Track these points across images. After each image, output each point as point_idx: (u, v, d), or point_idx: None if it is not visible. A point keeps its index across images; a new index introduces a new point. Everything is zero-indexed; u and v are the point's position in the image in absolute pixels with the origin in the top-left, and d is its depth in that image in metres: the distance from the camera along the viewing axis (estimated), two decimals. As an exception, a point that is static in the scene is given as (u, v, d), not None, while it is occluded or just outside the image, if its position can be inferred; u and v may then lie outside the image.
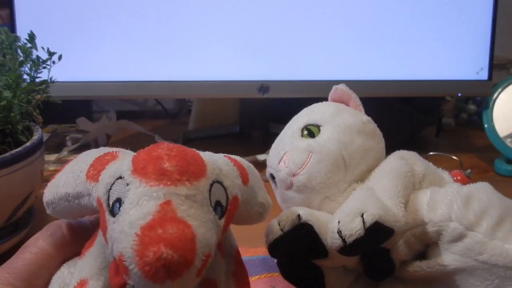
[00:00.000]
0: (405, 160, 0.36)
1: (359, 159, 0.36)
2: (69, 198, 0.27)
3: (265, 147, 0.71)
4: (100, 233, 0.27)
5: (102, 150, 0.28)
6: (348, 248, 0.30)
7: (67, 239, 0.28)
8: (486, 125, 0.73)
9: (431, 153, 0.62)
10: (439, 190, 0.34)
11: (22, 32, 0.52)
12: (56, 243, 0.28)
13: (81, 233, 0.29)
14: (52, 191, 0.28)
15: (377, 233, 0.30)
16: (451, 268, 0.32)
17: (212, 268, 0.26)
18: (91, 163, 0.27)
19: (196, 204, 0.23)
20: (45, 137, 0.81)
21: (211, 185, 0.24)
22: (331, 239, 0.31)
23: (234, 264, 0.30)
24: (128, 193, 0.22)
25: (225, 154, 0.29)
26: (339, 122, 0.37)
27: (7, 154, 0.43)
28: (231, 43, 0.69)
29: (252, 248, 0.47)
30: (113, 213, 0.23)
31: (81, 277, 0.25)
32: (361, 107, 0.40)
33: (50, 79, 0.48)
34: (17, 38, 0.48)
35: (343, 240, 0.30)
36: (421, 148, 0.77)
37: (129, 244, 0.20)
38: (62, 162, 0.72)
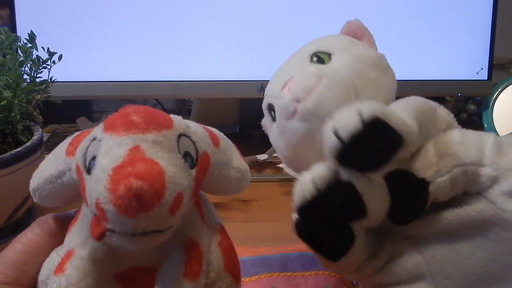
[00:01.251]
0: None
1: (372, 92, 0.33)
2: (52, 179, 0.28)
3: (265, 147, 0.71)
4: (83, 206, 0.28)
5: (80, 131, 0.29)
6: (347, 149, 0.25)
7: (54, 229, 0.29)
8: (486, 125, 0.74)
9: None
10: (503, 138, 0.30)
11: (22, 32, 0.52)
12: (44, 232, 0.29)
13: (67, 223, 0.30)
14: (36, 178, 0.29)
15: (380, 133, 0.25)
16: (490, 222, 0.28)
17: (193, 229, 0.27)
18: (70, 142, 0.28)
19: (164, 149, 0.24)
20: (45, 137, 0.81)
21: (179, 136, 0.25)
22: (327, 142, 0.26)
23: (220, 235, 0.30)
24: (101, 147, 0.24)
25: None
26: (352, 52, 0.34)
27: (7, 154, 0.43)
28: (231, 43, 0.69)
29: (252, 248, 0.47)
30: (89, 171, 0.24)
31: (67, 249, 0.26)
32: (374, 45, 0.37)
33: (50, 79, 0.49)
34: (17, 38, 0.48)
35: (341, 140, 0.25)
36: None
37: (102, 186, 0.22)
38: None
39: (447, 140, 0.30)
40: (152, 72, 0.69)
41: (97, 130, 0.25)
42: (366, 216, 0.28)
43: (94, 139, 0.25)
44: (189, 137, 0.26)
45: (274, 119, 0.35)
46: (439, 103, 0.34)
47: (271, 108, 0.35)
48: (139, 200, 0.21)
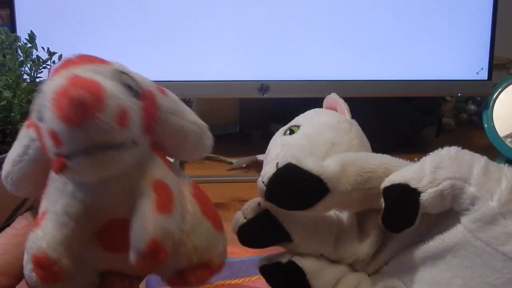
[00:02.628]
0: None
1: (326, 151, 0.39)
2: (20, 158, 0.28)
3: (265, 147, 0.71)
4: (51, 173, 0.28)
5: None
6: (267, 190, 0.31)
7: (32, 221, 0.30)
8: (486, 125, 0.74)
9: (431, 153, 0.62)
10: (494, 163, 0.32)
11: (22, 32, 0.52)
12: (22, 226, 0.30)
13: None
14: (6, 165, 0.29)
15: (291, 172, 0.31)
16: (465, 251, 0.30)
17: (158, 171, 0.27)
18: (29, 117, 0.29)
19: (100, 75, 0.25)
20: (45, 137, 0.81)
21: (117, 71, 0.26)
22: (259, 189, 0.32)
23: (192, 187, 0.30)
24: (46, 91, 0.24)
25: None
26: (315, 121, 0.42)
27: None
28: (231, 43, 0.69)
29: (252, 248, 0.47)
30: (42, 118, 0.24)
31: (41, 211, 0.27)
32: (347, 111, 0.43)
33: (50, 79, 0.49)
34: (17, 38, 0.48)
35: (264, 184, 0.31)
36: (421, 148, 0.77)
37: (49, 109, 0.23)
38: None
39: (442, 154, 0.32)
40: (152, 72, 0.69)
41: (43, 85, 0.26)
42: (291, 240, 0.34)
43: (41, 92, 0.26)
44: (128, 75, 0.27)
45: None
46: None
47: None
48: (82, 105, 0.22)
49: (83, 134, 0.22)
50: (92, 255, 0.28)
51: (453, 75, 0.73)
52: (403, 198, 0.31)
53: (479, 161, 0.32)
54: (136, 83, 0.27)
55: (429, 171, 0.31)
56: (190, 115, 0.31)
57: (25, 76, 0.48)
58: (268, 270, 0.36)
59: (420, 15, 0.71)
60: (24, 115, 0.48)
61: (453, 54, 0.72)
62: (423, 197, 0.31)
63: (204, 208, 0.29)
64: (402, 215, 0.32)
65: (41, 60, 0.48)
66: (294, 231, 0.34)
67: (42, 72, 0.49)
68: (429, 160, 0.32)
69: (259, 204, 0.34)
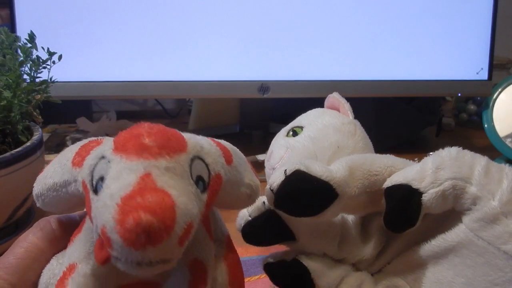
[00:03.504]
0: None
1: (331, 154, 0.39)
2: (57, 188, 0.27)
3: (265, 147, 0.71)
4: (87, 218, 0.27)
5: (88, 140, 0.28)
6: (277, 198, 0.31)
7: (57, 233, 0.29)
8: (486, 125, 0.74)
9: (431, 153, 0.62)
10: (494, 163, 0.32)
11: (22, 32, 0.52)
12: (46, 237, 0.28)
13: (70, 227, 0.29)
14: (40, 183, 0.28)
15: (300, 180, 0.30)
16: (467, 250, 0.31)
17: (200, 249, 0.26)
18: (76, 151, 0.27)
19: (176, 176, 0.23)
20: (45, 137, 0.81)
21: (192, 160, 0.25)
22: (267, 197, 0.32)
23: (225, 249, 0.30)
24: (110, 170, 0.23)
25: (208, 137, 0.29)
26: (318, 122, 0.41)
27: (7, 154, 0.43)
28: (231, 43, 0.69)
29: (252, 248, 0.47)
30: (96, 192, 0.23)
31: (70, 262, 0.26)
32: (350, 112, 0.43)
33: (50, 79, 0.48)
34: (17, 38, 0.48)
35: (272, 191, 0.31)
36: (421, 148, 0.77)
37: (110, 215, 0.21)
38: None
39: (443, 155, 0.33)
40: (152, 72, 0.69)
41: (107, 148, 0.24)
42: (294, 239, 0.34)
43: (103, 157, 0.24)
44: (202, 160, 0.25)
45: None
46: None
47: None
48: (148, 235, 0.20)
49: (140, 255, 0.21)
50: None
51: (453, 75, 0.73)
52: (405, 198, 0.31)
53: (480, 161, 0.32)
54: (208, 171, 0.26)
55: (431, 172, 0.31)
56: (247, 177, 0.30)
57: (25, 76, 0.48)
58: (272, 268, 0.36)
59: (420, 15, 0.71)
60: (24, 115, 0.48)
61: (453, 54, 0.72)
62: (425, 197, 0.31)
63: (232, 278, 0.29)
64: (404, 216, 0.32)
65: (41, 60, 0.48)
66: (299, 231, 0.34)
67: (42, 72, 0.49)
68: (430, 161, 0.32)
69: (263, 202, 0.35)
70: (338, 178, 0.31)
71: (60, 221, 0.29)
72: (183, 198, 0.22)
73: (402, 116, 0.77)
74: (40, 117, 0.49)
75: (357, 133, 0.41)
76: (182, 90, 0.70)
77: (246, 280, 0.43)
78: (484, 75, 0.73)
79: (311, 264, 0.35)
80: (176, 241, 0.21)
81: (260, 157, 0.68)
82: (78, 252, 0.26)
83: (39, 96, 0.48)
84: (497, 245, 0.30)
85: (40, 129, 0.50)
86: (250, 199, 0.31)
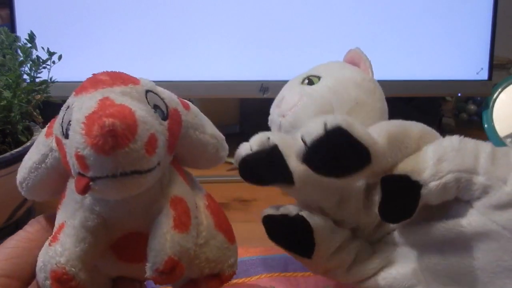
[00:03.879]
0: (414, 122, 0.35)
1: (348, 109, 0.36)
2: (37, 165, 0.29)
3: (265, 147, 0.71)
4: (69, 182, 0.28)
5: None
6: (309, 152, 0.28)
7: (46, 225, 0.30)
8: (486, 125, 0.74)
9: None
10: (499, 148, 0.31)
11: (22, 32, 0.52)
12: (35, 230, 0.30)
13: None
14: (21, 171, 0.30)
15: (340, 138, 0.27)
16: (479, 234, 0.29)
17: (177, 187, 0.28)
18: (47, 126, 0.29)
19: (133, 99, 0.25)
20: (45, 137, 0.81)
21: (146, 91, 0.26)
22: (295, 145, 0.29)
23: (206, 200, 0.31)
24: (74, 109, 0.25)
25: None
26: (338, 74, 0.38)
27: (7, 154, 0.43)
28: (232, 43, 0.69)
29: (252, 248, 0.47)
30: (67, 135, 0.25)
31: (58, 223, 0.27)
32: (370, 70, 0.40)
33: (50, 79, 0.49)
34: (17, 38, 0.48)
35: (305, 143, 0.28)
36: (421, 148, 0.77)
37: (79, 134, 0.23)
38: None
39: (445, 145, 0.31)
40: (152, 72, 0.69)
41: (69, 99, 0.26)
42: (292, 182, 0.32)
43: (68, 107, 0.26)
44: (156, 94, 0.27)
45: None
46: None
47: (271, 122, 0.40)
48: (113, 135, 0.22)
49: (112, 162, 0.22)
50: (106, 264, 0.28)
51: (453, 75, 0.73)
52: (402, 191, 0.30)
53: (484, 149, 0.31)
54: (164, 103, 0.27)
55: (432, 163, 0.30)
56: (210, 128, 0.32)
57: (25, 76, 0.48)
58: (272, 221, 0.35)
59: (420, 15, 0.71)
60: (24, 115, 0.48)
61: (453, 54, 0.72)
62: (425, 190, 0.29)
63: (218, 221, 0.30)
64: (400, 208, 0.30)
65: (41, 60, 0.48)
66: (298, 173, 0.32)
67: (42, 72, 0.49)
68: (431, 151, 0.31)
69: (268, 138, 0.33)
70: (378, 146, 0.29)
71: (49, 217, 0.31)
72: (142, 112, 0.24)
73: (402, 116, 0.77)
74: (40, 117, 0.49)
75: (376, 92, 0.38)
76: (182, 90, 0.69)
77: (246, 280, 0.43)
78: (484, 75, 0.73)
79: (315, 222, 0.33)
80: (142, 144, 0.23)
81: (260, 157, 0.68)
82: (64, 213, 0.27)
83: (39, 96, 0.48)
84: None
85: (40, 129, 0.50)
86: (217, 150, 0.32)
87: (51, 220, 0.30)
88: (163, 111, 0.27)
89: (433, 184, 0.29)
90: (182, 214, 0.26)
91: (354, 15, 0.70)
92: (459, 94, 0.78)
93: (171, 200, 0.27)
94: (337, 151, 0.28)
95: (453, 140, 0.32)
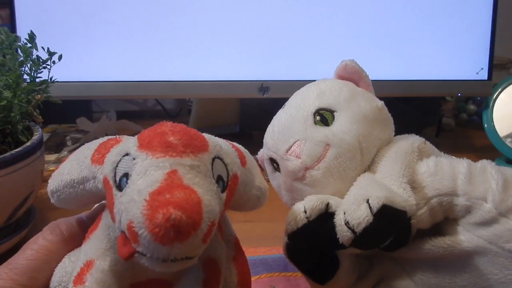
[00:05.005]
0: (403, 139, 0.35)
1: (374, 149, 0.34)
2: (74, 184, 0.28)
3: (265, 147, 0.71)
4: (104, 215, 0.28)
5: (106, 138, 0.29)
6: (359, 238, 0.28)
7: (66, 235, 0.29)
8: (486, 125, 0.73)
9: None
10: (476, 165, 0.32)
11: (22, 32, 0.52)
12: (56, 239, 0.29)
13: (79, 229, 0.29)
14: (56, 180, 0.28)
15: (388, 217, 0.28)
16: (467, 250, 0.30)
17: (214, 248, 0.27)
18: (95, 148, 0.28)
19: (200, 174, 0.23)
20: (45, 137, 0.81)
21: (213, 159, 0.25)
22: (340, 233, 0.29)
23: (234, 249, 0.30)
24: (135, 166, 0.23)
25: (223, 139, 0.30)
26: (355, 109, 0.35)
27: (7, 154, 0.43)
28: (231, 43, 0.69)
29: (252, 248, 0.47)
30: (120, 188, 0.24)
31: (87, 259, 0.26)
32: (371, 87, 0.38)
33: (50, 79, 0.48)
34: (17, 38, 0.48)
35: (353, 231, 0.28)
36: (421, 148, 0.77)
37: (138, 210, 0.21)
38: (62, 162, 0.72)
39: (422, 172, 0.32)
40: (152, 72, 0.69)
41: (131, 145, 0.24)
42: (346, 247, 0.30)
43: (127, 154, 0.24)
44: (222, 160, 0.26)
45: (276, 170, 0.37)
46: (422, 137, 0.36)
47: (273, 161, 0.37)
48: (176, 230, 0.21)
49: (166, 251, 0.21)
50: None
51: (453, 75, 0.73)
52: (394, 222, 0.30)
53: (460, 169, 0.32)
54: (227, 171, 0.26)
55: (413, 193, 0.31)
56: (257, 180, 0.31)
57: (25, 76, 0.48)
58: (297, 250, 0.33)
59: (420, 15, 0.71)
60: (24, 115, 0.48)
61: (453, 54, 0.72)
62: (414, 219, 0.31)
63: (242, 279, 0.29)
64: (395, 237, 0.31)
65: (41, 60, 0.48)
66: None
67: (42, 72, 0.49)
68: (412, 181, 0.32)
69: (327, 205, 0.31)
70: (412, 204, 0.30)
71: (70, 223, 0.30)
72: (208, 196, 0.23)
73: (402, 116, 0.77)
74: (40, 117, 0.49)
75: (389, 117, 0.37)
76: (182, 90, 0.70)
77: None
78: (484, 75, 0.73)
79: (343, 261, 0.33)
80: (201, 238, 0.22)
81: (260, 157, 0.68)
82: (95, 249, 0.26)
83: (39, 96, 0.48)
84: (500, 244, 0.29)
85: (40, 129, 0.50)
86: (259, 201, 0.31)
87: (72, 227, 0.29)
88: (224, 182, 0.26)
89: (420, 213, 0.31)
90: (212, 279, 0.26)
91: (354, 15, 0.70)
92: (459, 94, 0.78)
93: (204, 261, 0.26)
94: (386, 228, 0.29)
95: (429, 165, 0.32)
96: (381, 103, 0.37)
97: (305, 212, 0.30)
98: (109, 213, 0.25)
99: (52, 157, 0.72)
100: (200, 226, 0.21)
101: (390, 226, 0.29)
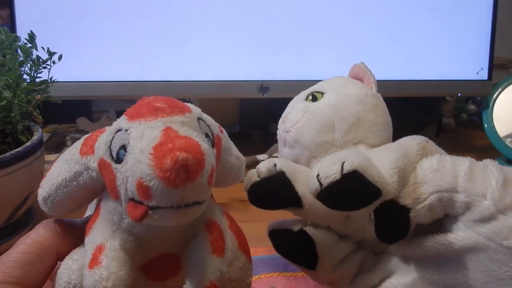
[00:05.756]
0: (407, 137, 0.36)
1: (350, 125, 0.37)
2: (67, 183, 0.28)
3: (265, 147, 0.71)
4: (102, 203, 0.28)
5: (90, 133, 0.29)
6: (324, 192, 0.30)
7: (59, 231, 0.29)
8: (486, 125, 0.74)
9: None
10: (478, 163, 0.33)
11: (22, 32, 0.52)
12: (48, 234, 0.29)
13: (73, 228, 0.30)
14: (47, 185, 0.29)
15: (355, 183, 0.29)
16: (467, 247, 0.31)
17: (211, 210, 0.29)
18: (81, 143, 0.28)
19: (191, 128, 0.25)
20: (45, 137, 0.81)
21: (198, 119, 0.27)
22: (310, 184, 0.31)
23: (227, 219, 0.31)
24: (130, 135, 0.24)
25: None
26: (341, 91, 0.39)
27: (7, 154, 0.43)
28: (232, 43, 0.69)
29: (252, 248, 0.47)
30: (119, 160, 0.24)
31: (97, 244, 0.26)
32: (374, 84, 0.41)
33: (50, 79, 0.49)
34: (17, 38, 0.48)
35: (320, 184, 0.30)
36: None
37: (146, 165, 0.22)
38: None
39: (425, 168, 0.33)
40: (152, 72, 0.69)
41: (120, 122, 0.26)
42: (301, 205, 0.34)
43: (119, 130, 0.25)
44: (204, 121, 0.27)
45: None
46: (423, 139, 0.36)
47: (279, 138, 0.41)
48: (186, 170, 0.22)
49: (179, 195, 0.23)
50: (136, 284, 0.28)
51: (453, 75, 0.73)
52: (393, 215, 0.32)
53: (461, 167, 0.32)
54: (210, 131, 0.28)
55: (414, 188, 0.32)
56: (235, 150, 0.33)
57: (25, 76, 0.48)
58: (277, 235, 0.36)
59: (420, 15, 0.71)
60: (24, 115, 0.48)
61: (453, 54, 0.72)
62: (412, 213, 0.31)
63: (241, 243, 0.31)
64: (395, 229, 0.32)
65: (41, 60, 0.48)
66: (306, 197, 0.34)
67: (42, 72, 0.49)
68: (412, 175, 0.32)
69: (275, 165, 0.34)
70: (390, 188, 0.30)
71: (62, 221, 0.30)
72: (204, 144, 0.24)
73: (402, 116, 0.77)
74: (40, 117, 0.49)
75: (379, 106, 0.39)
76: (182, 90, 0.70)
77: (246, 280, 0.43)
78: (484, 75, 0.73)
79: (318, 237, 0.35)
80: (206, 179, 0.23)
81: (260, 157, 0.68)
82: (102, 234, 0.27)
83: (39, 96, 0.48)
84: (499, 241, 0.30)
85: (40, 129, 0.50)
86: (239, 170, 0.33)
87: (65, 225, 0.29)
88: (211, 139, 0.27)
89: (419, 207, 0.31)
90: (218, 237, 0.27)
91: (354, 15, 0.70)
92: (459, 94, 0.78)
93: (206, 224, 0.28)
94: (351, 192, 0.30)
95: (432, 162, 0.33)
96: (372, 92, 0.40)
97: (257, 172, 0.35)
98: (110, 192, 0.26)
99: (52, 157, 0.72)
100: (205, 165, 0.23)
101: (356, 193, 0.30)
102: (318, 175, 0.30)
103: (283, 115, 0.41)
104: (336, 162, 0.30)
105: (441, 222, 0.33)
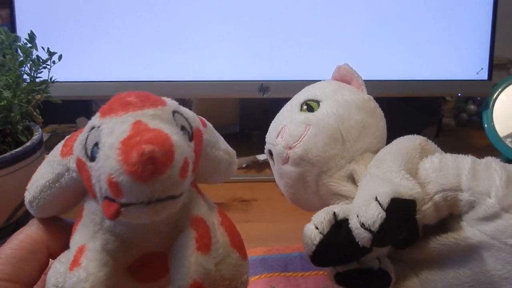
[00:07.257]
0: (405, 138, 0.36)
1: (357, 134, 0.35)
2: (50, 185, 0.28)
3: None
4: (85, 205, 0.28)
5: (71, 134, 0.29)
6: (378, 236, 0.28)
7: (52, 228, 0.29)
8: (486, 125, 0.74)
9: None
10: (480, 161, 0.32)
11: (22, 32, 0.52)
12: (41, 230, 0.29)
13: (64, 226, 0.29)
14: (32, 189, 0.29)
15: (399, 208, 0.28)
16: (470, 246, 0.31)
17: (197, 207, 0.28)
18: (63, 144, 0.28)
19: (163, 121, 0.24)
20: (45, 137, 0.81)
21: (173, 112, 0.26)
22: (358, 236, 0.29)
23: (220, 216, 0.31)
24: (102, 131, 0.24)
25: None
26: (338, 97, 0.37)
27: (7, 154, 0.43)
28: (231, 43, 0.69)
29: (252, 248, 0.47)
30: (93, 158, 0.24)
31: (78, 245, 0.26)
32: (363, 86, 0.40)
33: (50, 79, 0.49)
34: (17, 38, 0.48)
35: (370, 231, 0.28)
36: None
37: (114, 160, 0.22)
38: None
39: (427, 167, 0.33)
40: (152, 72, 0.69)
41: (94, 120, 0.25)
42: (371, 250, 0.31)
43: (92, 128, 0.25)
44: (181, 114, 0.27)
45: (272, 160, 0.39)
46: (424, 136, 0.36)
47: (270, 153, 0.38)
48: (153, 162, 0.21)
49: (149, 189, 0.22)
50: (121, 284, 0.28)
51: (453, 75, 0.73)
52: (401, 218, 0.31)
53: (464, 165, 0.32)
54: (188, 124, 0.27)
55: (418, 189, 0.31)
56: (223, 144, 0.32)
57: (25, 76, 0.48)
58: (349, 277, 0.34)
59: (420, 15, 0.71)
60: (24, 115, 0.48)
61: (453, 54, 0.72)
62: (419, 214, 0.31)
63: (233, 239, 0.30)
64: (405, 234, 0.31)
65: (41, 60, 0.48)
66: None
67: (42, 72, 0.49)
68: (416, 177, 0.32)
69: (334, 214, 0.31)
70: (416, 191, 0.30)
71: (54, 218, 0.30)
72: (175, 136, 0.23)
73: (402, 116, 0.77)
74: (40, 117, 0.49)
75: (377, 111, 0.38)
76: (182, 90, 0.70)
77: (246, 280, 0.43)
78: (484, 75, 0.73)
79: (391, 270, 0.33)
80: (178, 171, 0.22)
81: (260, 157, 0.68)
82: (84, 235, 0.27)
83: (39, 96, 0.48)
84: (503, 239, 0.30)
85: (40, 129, 0.50)
86: (230, 165, 0.32)
87: (57, 222, 0.29)
88: (188, 132, 0.26)
89: (425, 208, 0.31)
90: (203, 234, 0.26)
91: (354, 15, 0.70)
92: (459, 94, 0.78)
93: (192, 220, 0.27)
94: (402, 219, 0.29)
95: (434, 161, 0.33)
96: (368, 96, 0.38)
97: (317, 228, 0.31)
98: (89, 192, 0.25)
99: (52, 157, 0.72)
100: (173, 157, 0.22)
101: (404, 217, 0.29)
102: (363, 225, 0.28)
103: (277, 129, 0.37)
104: (370, 202, 0.29)
105: (444, 221, 0.33)
